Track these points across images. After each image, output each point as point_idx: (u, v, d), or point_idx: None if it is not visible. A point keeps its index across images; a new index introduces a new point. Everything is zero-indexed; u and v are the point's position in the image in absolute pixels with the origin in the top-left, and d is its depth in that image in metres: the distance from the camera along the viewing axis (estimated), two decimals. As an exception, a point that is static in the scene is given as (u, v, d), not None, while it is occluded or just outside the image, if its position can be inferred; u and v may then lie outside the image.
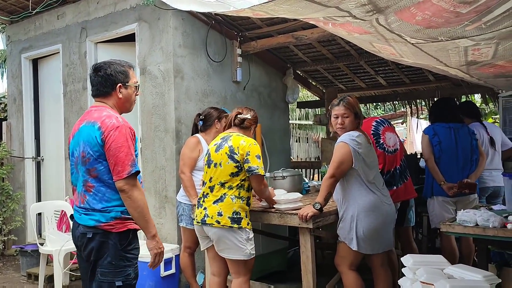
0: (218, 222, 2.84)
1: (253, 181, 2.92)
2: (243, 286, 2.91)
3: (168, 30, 4.24)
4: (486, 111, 8.07)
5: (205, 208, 2.92)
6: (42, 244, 4.27)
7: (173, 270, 3.88)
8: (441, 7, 1.42)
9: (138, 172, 2.23)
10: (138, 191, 2.22)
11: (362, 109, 3.27)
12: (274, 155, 5.52)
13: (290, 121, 13.52)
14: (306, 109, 12.15)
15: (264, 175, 2.96)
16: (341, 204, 3.04)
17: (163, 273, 3.78)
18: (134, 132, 2.30)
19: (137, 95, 2.48)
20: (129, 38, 4.63)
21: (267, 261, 4.38)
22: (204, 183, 3.03)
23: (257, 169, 2.86)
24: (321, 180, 5.41)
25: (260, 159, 2.90)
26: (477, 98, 7.36)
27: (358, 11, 1.40)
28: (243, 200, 2.91)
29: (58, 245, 4.15)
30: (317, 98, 7.16)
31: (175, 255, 3.91)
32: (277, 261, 4.52)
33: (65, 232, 4.64)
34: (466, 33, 1.71)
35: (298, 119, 13.87)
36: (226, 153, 2.89)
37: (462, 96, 6.25)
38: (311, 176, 7.20)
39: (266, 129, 5.38)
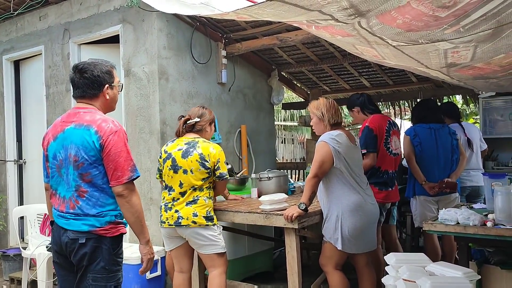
0: (195, 223, 2.99)
1: (221, 185, 3.17)
2: (221, 276, 3.07)
3: (152, 32, 4.23)
4: (467, 112, 8.23)
5: (176, 211, 3.02)
6: (24, 248, 4.22)
7: (158, 272, 3.87)
8: (420, 11, 1.46)
9: (137, 178, 2.21)
10: (136, 196, 2.21)
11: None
12: (259, 156, 5.54)
13: (276, 123, 13.59)
14: (291, 110, 12.19)
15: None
16: (325, 204, 3.07)
17: (149, 275, 3.77)
18: (127, 137, 2.27)
19: (119, 93, 2.44)
20: (113, 40, 4.60)
21: (253, 262, 4.40)
22: (170, 188, 3.07)
23: (226, 175, 3.13)
24: (304, 180, 5.47)
25: (227, 164, 3.20)
26: (458, 99, 7.50)
27: (340, 14, 1.43)
28: (212, 200, 3.15)
29: (42, 248, 4.10)
30: (302, 100, 7.20)
31: (161, 257, 3.90)
32: (263, 262, 4.53)
33: (48, 235, 4.58)
34: (445, 36, 1.75)
35: (283, 120, 13.93)
36: (197, 160, 3.02)
37: (444, 97, 6.36)
38: (297, 177, 7.24)
39: (251, 130, 5.41)
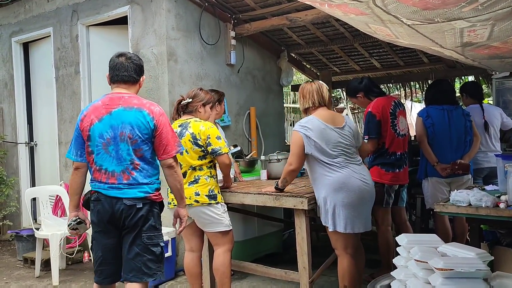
0: (197, 202, 3.04)
1: (219, 160, 3.11)
2: (225, 254, 3.12)
3: (161, 13, 4.19)
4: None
5: None
6: (37, 229, 4.28)
7: (169, 253, 3.90)
8: (438, -13, 1.42)
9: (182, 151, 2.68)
10: (179, 167, 2.65)
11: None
12: (268, 138, 5.53)
13: (285, 105, 13.52)
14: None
15: (228, 152, 3.14)
16: (314, 190, 3.02)
17: (160, 256, 3.81)
18: None
19: None
20: (122, 21, 4.57)
21: (262, 243, 4.43)
22: None
23: (220, 150, 3.06)
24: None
25: (220, 139, 3.08)
26: (471, 80, 7.38)
27: (355, -8, 1.40)
28: (214, 178, 3.15)
29: (54, 229, 4.16)
30: (311, 81, 7.13)
31: (171, 238, 3.93)
32: (272, 243, 4.57)
33: (60, 216, 4.65)
34: (463, 14, 1.71)
35: (293, 102, 13.84)
36: (189, 140, 3.04)
37: (456, 78, 6.26)
38: (306, 159, 7.22)
39: (261, 112, 5.38)
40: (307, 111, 3.06)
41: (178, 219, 2.76)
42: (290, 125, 13.84)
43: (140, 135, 2.48)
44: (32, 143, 5.71)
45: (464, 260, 1.73)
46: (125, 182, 2.49)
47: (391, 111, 3.59)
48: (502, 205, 2.59)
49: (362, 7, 1.69)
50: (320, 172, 2.92)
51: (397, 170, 3.60)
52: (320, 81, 3.17)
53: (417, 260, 1.80)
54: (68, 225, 2.66)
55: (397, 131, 3.61)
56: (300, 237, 3.07)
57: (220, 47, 4.77)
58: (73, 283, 4.03)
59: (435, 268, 1.70)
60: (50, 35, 5.23)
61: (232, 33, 4.81)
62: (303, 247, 3.06)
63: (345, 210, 2.87)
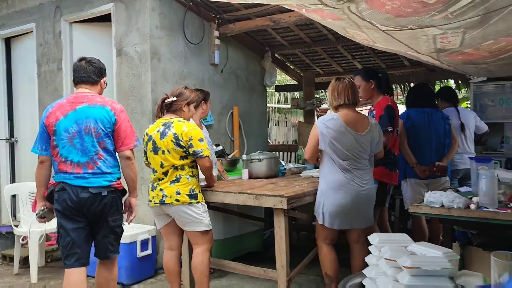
0: (178, 200, 3.07)
1: (199, 162, 3.15)
2: (204, 254, 3.15)
3: (144, 11, 4.19)
4: (460, 96, 8.26)
5: (161, 190, 3.09)
6: (16, 226, 4.25)
7: (149, 251, 3.93)
8: (409, -3, 1.47)
9: (139, 145, 2.89)
10: (135, 159, 2.89)
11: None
12: (251, 138, 5.57)
13: (270, 105, 13.59)
14: (285, 92, 12.18)
15: (209, 155, 3.15)
16: (319, 180, 3.22)
17: (140, 253, 3.83)
18: None
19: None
20: (105, 19, 4.56)
21: (243, 242, 4.47)
22: (153, 169, 3.17)
23: (201, 152, 3.08)
24: (297, 163, 5.52)
25: (202, 141, 3.09)
26: (451, 83, 7.53)
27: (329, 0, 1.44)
28: (196, 178, 3.18)
29: (34, 226, 4.14)
30: (295, 82, 7.20)
31: (151, 236, 3.95)
32: (253, 242, 4.61)
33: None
34: (434, 22, 1.77)
35: (277, 102, 13.91)
36: (171, 140, 3.05)
37: (437, 82, 6.39)
38: (289, 159, 7.29)
39: (244, 112, 5.42)
40: (338, 108, 3.16)
41: (128, 209, 3.01)
42: (275, 124, 13.94)
43: (103, 129, 2.76)
44: (12, 139, 5.66)
45: (431, 259, 1.79)
46: (90, 171, 2.75)
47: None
48: (472, 206, 2.68)
49: (338, 13, 1.74)
50: (327, 167, 3.12)
51: (397, 170, 3.69)
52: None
53: (387, 259, 1.86)
54: (36, 214, 2.93)
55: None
56: (278, 236, 3.12)
57: (204, 46, 4.79)
58: (52, 281, 4.01)
59: (403, 266, 1.76)
60: (32, 31, 5.19)
61: (216, 33, 4.84)
62: (282, 246, 3.11)
63: (336, 209, 3.07)
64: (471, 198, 2.88)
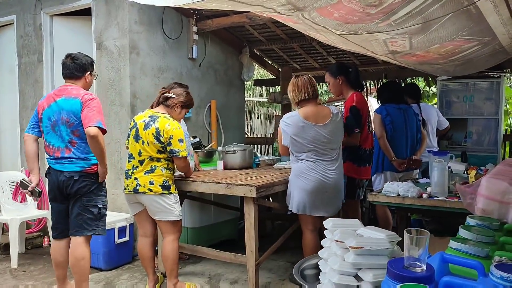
0: (151, 190, 3.21)
1: (175, 161, 3.31)
2: (173, 242, 3.31)
3: (124, 6, 4.32)
4: (430, 93, 8.57)
5: (136, 179, 3.24)
6: (-3, 214, 4.37)
7: (127, 238, 4.09)
8: (352, 8, 1.66)
9: (102, 128, 3.00)
10: (101, 138, 3.02)
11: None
12: (229, 131, 5.74)
13: (252, 99, 13.75)
14: (267, 87, 12.35)
15: (186, 156, 3.29)
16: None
17: (117, 240, 3.99)
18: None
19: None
20: (86, 12, 4.66)
21: (218, 230, 4.66)
22: (131, 155, 3.32)
23: (178, 152, 3.22)
24: (273, 155, 5.73)
25: (182, 142, 3.23)
26: (421, 80, 7.81)
27: (281, 9, 1.61)
28: (170, 171, 3.32)
29: (14, 214, 4.27)
30: (273, 77, 7.38)
31: (129, 224, 4.11)
32: (227, 230, 4.80)
33: (20, 202, 4.73)
34: (380, 28, 1.96)
35: (259, 96, 14.08)
36: (153, 133, 3.20)
37: (408, 78, 6.64)
38: (266, 151, 7.48)
39: (222, 105, 5.59)
40: (299, 104, 3.35)
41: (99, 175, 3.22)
42: (258, 118, 14.12)
43: (75, 119, 3.04)
44: (-7, 129, 5.72)
45: (374, 240, 2.01)
46: (66, 156, 3.09)
47: (368, 108, 3.78)
48: (424, 196, 2.93)
49: (293, 17, 1.92)
50: (292, 159, 3.38)
51: (367, 165, 3.84)
52: (309, 75, 3.42)
53: (337, 240, 2.07)
54: (32, 193, 3.19)
55: (370, 128, 3.82)
56: (248, 222, 3.32)
57: (183, 41, 4.93)
58: (32, 266, 4.15)
59: (349, 246, 1.97)
60: (13, 23, 5.26)
61: (195, 28, 4.98)
62: (251, 232, 3.31)
63: (299, 194, 3.29)
64: (426, 188, 3.13)
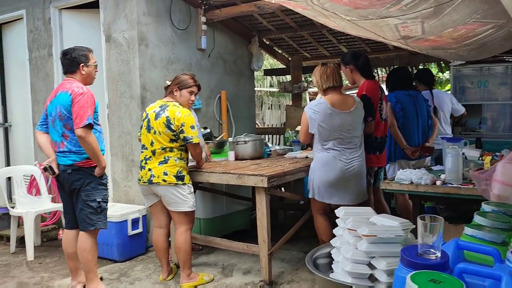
0: (165, 181, 3.23)
1: (190, 148, 3.31)
2: (186, 233, 3.34)
3: (131, -2, 4.30)
4: (443, 79, 8.44)
5: (149, 169, 3.26)
6: (12, 207, 4.43)
7: (140, 229, 4.12)
8: (362, -9, 1.62)
9: (90, 125, 2.99)
10: (91, 137, 3.02)
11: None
12: (239, 121, 5.73)
13: (262, 89, 13.69)
14: (278, 76, 12.30)
15: (199, 142, 3.31)
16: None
17: (131, 232, 4.02)
18: (94, 100, 3.10)
19: (97, 71, 3.30)
20: (94, 5, 4.66)
21: (231, 220, 4.67)
22: (143, 146, 3.34)
23: (191, 139, 3.23)
24: (285, 145, 5.71)
25: (194, 128, 3.23)
26: (434, 66, 7.68)
27: (289, -6, 1.59)
28: (184, 161, 3.34)
29: (29, 207, 4.32)
30: (283, 66, 7.33)
31: (142, 216, 4.13)
32: (240, 220, 4.81)
33: (35, 195, 4.79)
34: (391, 13, 1.91)
35: (270, 86, 14.03)
36: (163, 122, 3.21)
37: (420, 65, 6.54)
38: (277, 141, 7.46)
39: (232, 96, 5.57)
40: (326, 91, 3.39)
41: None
42: (268, 108, 14.08)
43: (65, 112, 3.07)
44: (6, 124, 5.79)
45: (387, 228, 1.98)
46: (61, 149, 3.13)
47: (380, 96, 3.69)
48: (438, 183, 2.89)
49: (303, 3, 1.89)
50: (316, 147, 3.40)
51: (378, 153, 3.75)
52: (335, 64, 3.48)
53: (349, 229, 2.05)
54: (45, 169, 3.22)
55: (382, 116, 3.72)
56: (260, 212, 3.31)
57: (191, 32, 4.91)
58: (47, 258, 4.21)
59: (362, 235, 1.95)
60: (23, 17, 5.29)
61: (203, 19, 4.94)
62: (263, 222, 3.30)
63: (325, 183, 3.33)
64: (440, 175, 3.08)
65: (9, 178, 5.00)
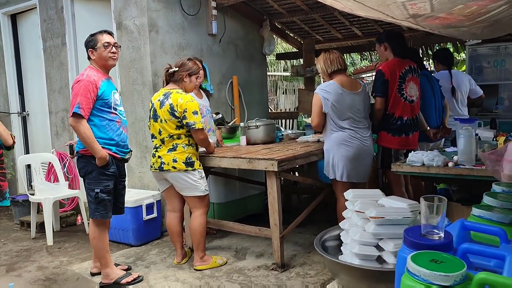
0: (175, 168, 3.27)
1: (193, 134, 3.31)
2: (201, 217, 3.40)
3: (141, -16, 4.30)
4: (459, 59, 8.25)
5: (159, 157, 3.32)
6: (32, 194, 4.54)
7: (155, 214, 4.19)
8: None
9: (78, 114, 2.96)
10: (83, 126, 2.99)
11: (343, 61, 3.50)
12: (252, 106, 5.73)
13: (276, 73, 13.61)
14: (291, 60, 12.20)
15: (202, 128, 3.30)
16: (324, 142, 3.53)
17: (145, 217, 4.09)
18: (96, 84, 3.04)
19: (112, 51, 3.16)
20: (105, -7, 4.68)
21: (244, 205, 4.71)
22: (152, 135, 3.39)
23: (194, 124, 3.24)
24: (297, 129, 5.69)
25: (197, 114, 3.24)
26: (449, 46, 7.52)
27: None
28: (192, 147, 3.36)
29: (47, 194, 4.43)
30: (296, 50, 7.27)
31: (156, 201, 4.20)
32: (253, 205, 4.85)
33: (53, 182, 4.90)
34: (397, -10, 1.89)
35: (283, 70, 13.93)
36: (167, 110, 3.23)
37: (435, 45, 6.41)
38: (290, 126, 7.44)
39: (243, 81, 5.56)
40: (332, 75, 3.46)
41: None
42: (283, 93, 14.02)
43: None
44: (24, 113, 5.91)
45: (395, 209, 1.98)
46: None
47: (401, 74, 3.52)
48: (450, 164, 2.85)
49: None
50: (330, 128, 3.43)
51: (404, 135, 3.59)
52: (338, 51, 3.56)
53: (357, 211, 2.05)
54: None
55: (404, 95, 3.54)
56: (271, 196, 3.33)
57: (201, 17, 4.90)
58: (66, 243, 4.32)
59: (370, 217, 1.95)
60: (36, 7, 5.34)
61: (213, 3, 4.91)
62: (274, 206, 3.33)
63: (342, 162, 3.39)
64: (453, 157, 3.04)
65: (28, 166, 5.12)
